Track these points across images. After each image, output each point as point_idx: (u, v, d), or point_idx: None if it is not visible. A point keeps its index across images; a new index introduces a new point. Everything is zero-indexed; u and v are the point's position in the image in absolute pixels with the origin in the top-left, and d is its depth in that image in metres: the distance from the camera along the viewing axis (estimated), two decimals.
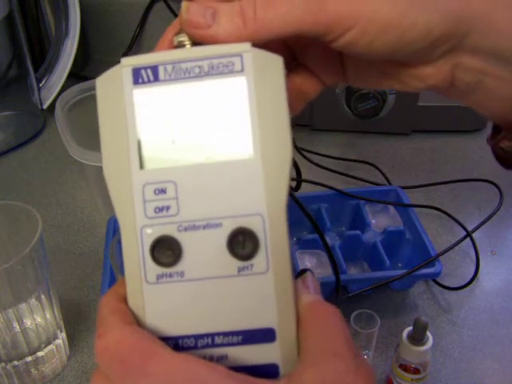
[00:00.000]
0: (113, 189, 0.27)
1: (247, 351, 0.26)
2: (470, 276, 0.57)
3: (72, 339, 0.52)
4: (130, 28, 0.99)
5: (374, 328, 0.48)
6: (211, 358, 0.26)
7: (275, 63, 0.26)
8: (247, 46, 0.26)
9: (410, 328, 0.43)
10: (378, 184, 0.68)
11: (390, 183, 0.70)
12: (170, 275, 0.26)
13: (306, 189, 0.63)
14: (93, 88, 0.70)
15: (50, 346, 0.48)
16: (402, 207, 0.60)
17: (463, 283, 0.57)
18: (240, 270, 0.26)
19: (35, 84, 0.81)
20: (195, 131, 0.26)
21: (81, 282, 0.58)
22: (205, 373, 0.24)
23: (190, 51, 0.27)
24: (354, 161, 0.74)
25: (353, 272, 0.58)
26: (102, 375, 0.26)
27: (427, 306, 0.55)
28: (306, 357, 0.25)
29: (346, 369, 0.24)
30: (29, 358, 0.47)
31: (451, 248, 0.58)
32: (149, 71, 0.26)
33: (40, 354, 0.48)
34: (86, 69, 0.99)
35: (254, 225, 0.25)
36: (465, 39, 0.27)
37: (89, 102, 0.67)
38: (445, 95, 0.31)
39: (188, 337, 0.26)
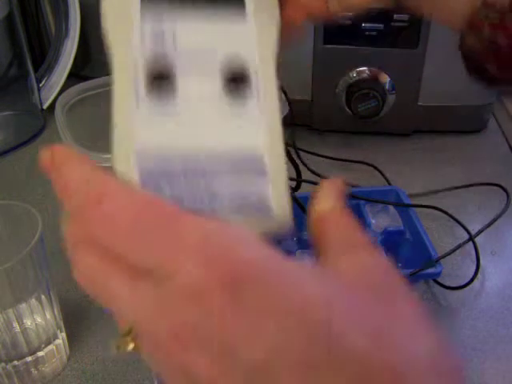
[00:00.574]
0: (109, 19, 0.28)
1: (235, 182, 0.25)
2: (471, 276, 0.57)
3: (72, 339, 0.52)
4: None
5: None
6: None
7: None
8: None
9: None
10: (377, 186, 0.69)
11: (389, 183, 0.70)
12: (163, 103, 0.26)
13: (306, 189, 0.63)
14: (93, 88, 0.71)
15: (50, 346, 0.48)
16: (402, 207, 0.60)
17: (463, 283, 0.57)
18: (231, 108, 0.26)
19: (35, 84, 0.81)
20: None
21: None
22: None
23: None
24: (354, 161, 0.74)
25: None
26: (93, 246, 0.23)
27: (427, 306, 0.55)
28: (337, 246, 0.24)
29: (383, 259, 0.23)
30: (29, 358, 0.47)
31: (454, 250, 0.58)
32: None
33: (40, 353, 0.48)
34: (85, 69, 0.99)
35: (247, 62, 0.27)
36: None
37: (89, 102, 0.67)
38: (404, 3, 0.33)
39: (176, 172, 0.25)
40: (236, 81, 0.27)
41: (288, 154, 0.60)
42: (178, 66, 0.26)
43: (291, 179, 0.59)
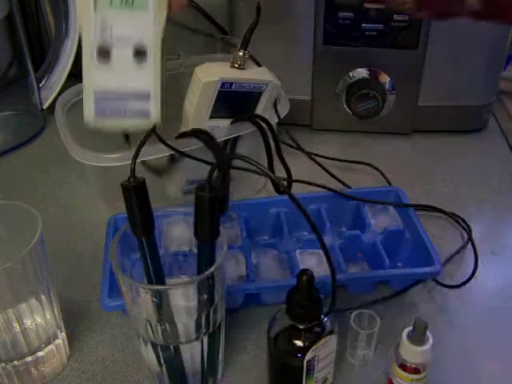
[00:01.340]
0: (81, 21, 0.49)
1: (135, 103, 0.46)
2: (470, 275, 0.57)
3: (72, 339, 0.52)
4: None
5: (374, 328, 0.48)
6: None
7: None
8: None
9: (410, 328, 0.43)
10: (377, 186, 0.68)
11: (389, 183, 0.70)
12: (105, 63, 0.48)
13: (306, 189, 0.63)
14: None
15: (50, 346, 0.48)
16: (402, 207, 0.60)
17: (462, 282, 0.57)
18: (137, 66, 0.49)
19: (35, 84, 0.81)
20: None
21: (81, 281, 0.58)
22: None
23: None
24: (354, 162, 0.74)
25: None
26: None
27: (427, 306, 0.55)
28: None
29: None
30: (29, 358, 0.47)
31: (457, 253, 0.59)
32: None
33: (40, 354, 0.48)
34: None
35: (145, 44, 0.49)
36: None
37: None
38: None
39: (109, 97, 0.48)
40: (139, 53, 0.48)
41: (280, 155, 0.60)
42: (112, 46, 0.48)
43: (283, 179, 0.59)
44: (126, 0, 0.49)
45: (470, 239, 0.62)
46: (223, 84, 0.56)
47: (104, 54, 0.49)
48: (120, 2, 0.50)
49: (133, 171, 0.40)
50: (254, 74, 0.58)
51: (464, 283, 0.57)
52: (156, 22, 0.50)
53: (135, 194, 0.40)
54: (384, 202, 0.60)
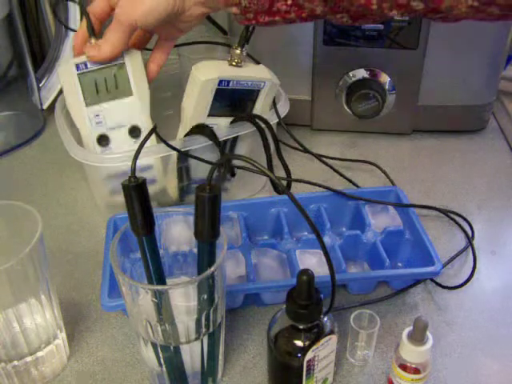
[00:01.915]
0: (75, 117, 0.58)
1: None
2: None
3: (72, 339, 0.52)
4: None
5: (374, 328, 0.48)
6: None
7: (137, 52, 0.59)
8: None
9: (410, 328, 0.43)
10: (377, 186, 0.68)
11: (392, 183, 0.70)
12: (106, 149, 0.60)
13: (306, 189, 0.63)
14: None
15: (50, 346, 0.48)
16: (402, 207, 0.60)
17: (461, 283, 0.57)
18: (134, 142, 0.60)
19: (35, 84, 0.81)
20: (108, 88, 0.58)
21: (81, 281, 0.58)
22: None
23: None
24: (356, 161, 0.74)
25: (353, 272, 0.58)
26: None
27: (427, 306, 0.55)
28: None
29: None
30: (29, 358, 0.47)
31: (458, 253, 0.59)
32: (82, 64, 0.57)
33: (40, 354, 0.48)
34: None
35: (138, 123, 0.60)
36: None
37: None
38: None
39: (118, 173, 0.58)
40: (134, 131, 0.60)
41: (279, 155, 0.60)
42: (109, 133, 0.59)
43: (282, 179, 0.59)
44: (110, 87, 0.58)
45: (469, 240, 0.61)
46: (221, 82, 0.56)
47: (102, 140, 0.59)
48: (106, 90, 0.58)
49: (133, 171, 0.40)
50: (251, 72, 0.58)
51: (463, 284, 0.57)
52: (142, 102, 0.59)
53: (136, 193, 0.40)
54: (384, 202, 0.60)
